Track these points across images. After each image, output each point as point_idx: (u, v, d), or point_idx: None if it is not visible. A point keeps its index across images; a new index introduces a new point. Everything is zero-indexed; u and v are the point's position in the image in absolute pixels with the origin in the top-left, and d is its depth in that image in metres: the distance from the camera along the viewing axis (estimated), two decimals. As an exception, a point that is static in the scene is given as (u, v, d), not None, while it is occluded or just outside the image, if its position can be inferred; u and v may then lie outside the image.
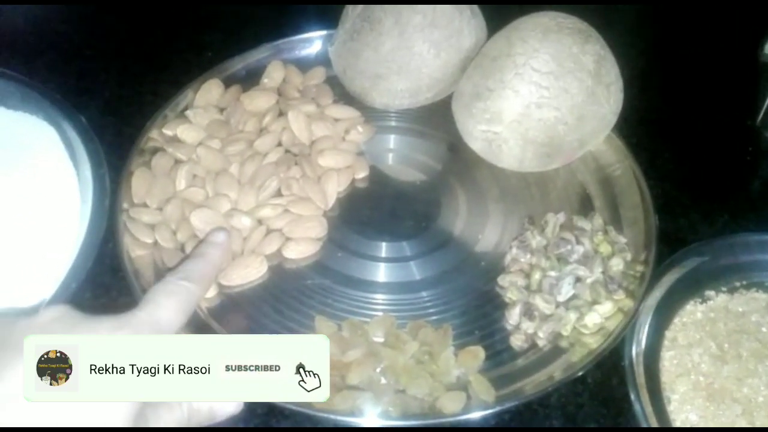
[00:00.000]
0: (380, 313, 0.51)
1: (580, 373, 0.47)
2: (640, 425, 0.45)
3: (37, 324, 0.34)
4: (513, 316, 0.50)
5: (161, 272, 0.52)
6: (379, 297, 0.53)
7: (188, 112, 0.60)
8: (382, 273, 0.54)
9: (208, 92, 0.62)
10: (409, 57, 0.59)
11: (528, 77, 0.53)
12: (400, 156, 0.62)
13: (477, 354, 0.48)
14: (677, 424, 0.46)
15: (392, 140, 0.63)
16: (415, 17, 0.58)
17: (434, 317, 0.51)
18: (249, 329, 0.50)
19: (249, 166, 0.57)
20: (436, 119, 0.63)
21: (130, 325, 0.35)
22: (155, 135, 0.59)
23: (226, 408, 0.38)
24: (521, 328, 0.50)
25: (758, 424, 0.46)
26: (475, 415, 0.45)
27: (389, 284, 0.54)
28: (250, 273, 0.52)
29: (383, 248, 0.56)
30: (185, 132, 0.59)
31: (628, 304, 0.50)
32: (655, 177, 0.58)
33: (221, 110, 0.62)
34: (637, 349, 0.49)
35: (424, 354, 0.48)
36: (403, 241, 0.56)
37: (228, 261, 0.51)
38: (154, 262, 0.52)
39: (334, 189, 0.57)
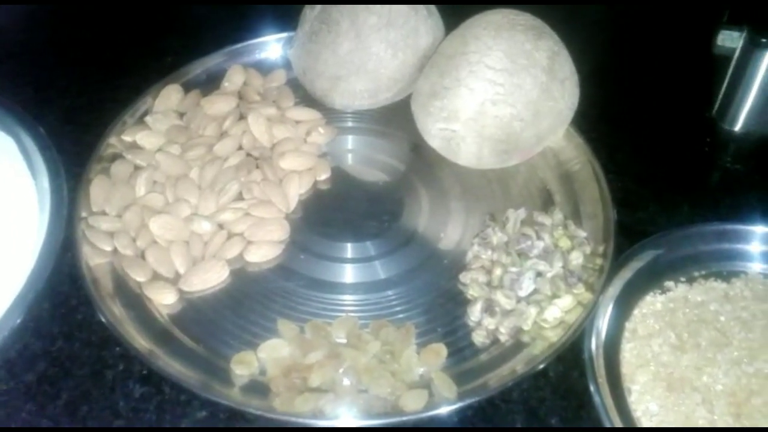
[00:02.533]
0: (345, 314, 0.51)
1: (542, 367, 0.48)
2: (600, 417, 0.45)
3: None
4: (474, 313, 0.51)
5: (121, 280, 0.52)
6: (344, 298, 0.53)
7: (147, 118, 0.60)
8: (346, 274, 0.54)
9: (168, 98, 0.62)
10: (367, 57, 0.59)
11: (482, 75, 0.54)
12: (362, 156, 0.63)
13: (439, 351, 0.48)
14: (638, 414, 0.46)
15: (354, 141, 0.63)
16: (370, 18, 0.58)
17: (399, 316, 0.51)
18: (210, 335, 0.50)
19: (209, 170, 0.56)
20: (398, 119, 0.63)
21: None
22: (114, 142, 0.59)
23: None
24: (483, 324, 0.50)
25: (717, 413, 0.46)
26: (438, 412, 0.45)
27: (354, 285, 0.54)
28: (211, 278, 0.52)
29: (347, 249, 0.56)
30: (144, 138, 0.59)
31: (588, 297, 0.51)
32: (614, 171, 0.59)
33: (181, 115, 0.62)
34: (597, 341, 0.49)
35: (386, 353, 0.48)
36: (366, 241, 0.56)
37: None
38: (114, 270, 0.52)
39: (296, 191, 0.57)
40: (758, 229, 0.55)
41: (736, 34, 0.62)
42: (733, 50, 0.61)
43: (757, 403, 0.47)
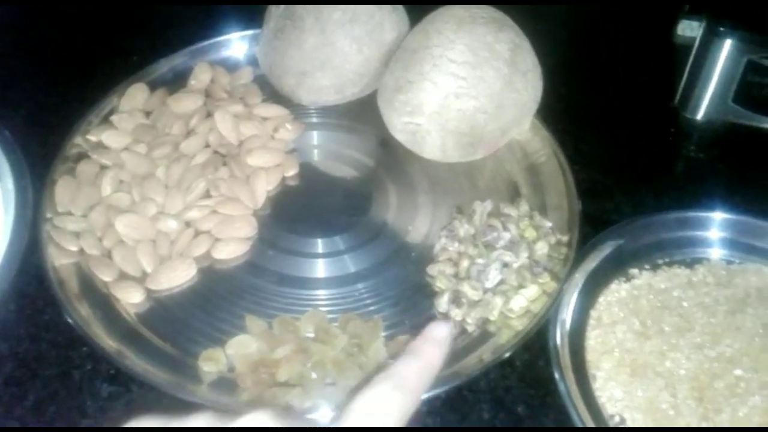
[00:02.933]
0: (314, 309, 0.51)
1: (508, 356, 0.48)
2: (565, 404, 0.46)
3: None
4: (442, 304, 0.51)
5: (87, 280, 0.51)
6: (314, 293, 0.53)
7: (113, 118, 0.60)
8: (315, 269, 0.55)
9: (133, 96, 0.62)
10: (332, 53, 0.59)
11: (445, 68, 0.54)
12: (330, 152, 0.63)
13: (407, 343, 0.49)
14: (602, 400, 0.47)
15: (322, 136, 0.63)
16: (335, 13, 0.59)
17: (368, 309, 0.52)
18: (178, 333, 0.50)
19: (175, 168, 0.56)
20: (365, 114, 0.63)
21: None
22: (80, 142, 0.59)
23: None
24: (450, 316, 0.51)
25: (680, 397, 0.47)
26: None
27: (323, 279, 0.54)
28: (178, 276, 0.52)
29: (316, 244, 0.56)
30: (110, 137, 0.58)
31: (553, 286, 0.51)
32: (580, 162, 0.59)
33: (147, 114, 0.61)
34: (562, 329, 0.50)
35: (354, 346, 0.48)
36: (335, 236, 0.56)
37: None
38: (80, 270, 0.52)
39: (264, 188, 0.57)
40: (719, 215, 0.55)
41: (695, 23, 0.63)
42: (694, 39, 0.61)
43: (719, 386, 0.47)
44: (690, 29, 0.65)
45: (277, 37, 0.61)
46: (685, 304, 0.52)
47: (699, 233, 0.56)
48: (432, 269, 0.53)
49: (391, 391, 0.31)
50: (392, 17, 0.61)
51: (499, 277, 0.52)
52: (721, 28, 0.58)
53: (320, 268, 0.55)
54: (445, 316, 0.51)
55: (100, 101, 0.61)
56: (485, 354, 0.48)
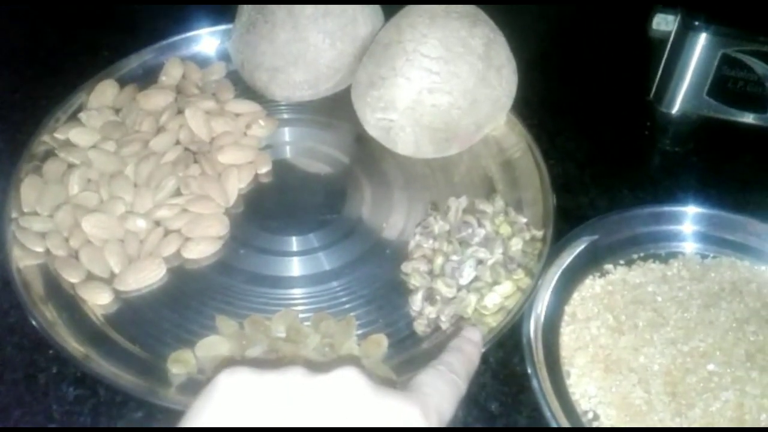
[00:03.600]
0: (285, 309, 0.51)
1: (482, 352, 0.48)
2: (538, 401, 0.46)
3: (333, 388, 0.31)
4: (416, 302, 0.51)
5: (53, 282, 0.50)
6: (287, 292, 0.52)
7: (81, 115, 0.59)
8: (288, 267, 0.54)
9: (102, 93, 0.61)
10: (305, 48, 0.59)
11: (418, 63, 0.54)
12: (304, 148, 0.62)
13: (380, 342, 0.48)
14: (576, 397, 0.47)
15: (295, 133, 0.63)
16: (307, 8, 0.58)
17: (343, 307, 0.51)
18: (147, 334, 0.49)
19: (145, 166, 0.55)
20: (340, 110, 0.62)
21: (420, 405, 0.32)
22: (47, 139, 0.58)
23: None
24: (424, 313, 0.50)
25: (653, 392, 0.47)
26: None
27: (296, 278, 0.53)
28: (147, 276, 0.51)
29: (289, 242, 0.55)
30: (78, 135, 0.57)
31: (527, 282, 0.51)
32: (555, 157, 0.59)
33: (117, 111, 0.60)
34: (536, 325, 0.49)
35: (326, 346, 0.48)
36: (309, 234, 0.56)
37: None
38: (46, 271, 0.51)
39: (235, 185, 0.56)
40: (693, 210, 0.55)
41: (670, 17, 0.63)
42: (668, 33, 0.61)
43: (692, 381, 0.47)
44: (665, 23, 0.65)
45: (249, 31, 0.60)
46: (659, 298, 0.52)
47: (673, 228, 0.55)
48: (406, 267, 0.53)
49: (446, 373, 0.36)
50: (365, 12, 0.60)
51: (474, 273, 0.52)
52: (696, 22, 0.57)
53: (294, 267, 0.54)
54: (420, 314, 0.50)
55: (68, 98, 0.60)
56: (459, 352, 0.48)
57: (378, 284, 0.53)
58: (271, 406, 0.30)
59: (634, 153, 0.62)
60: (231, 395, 0.30)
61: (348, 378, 0.31)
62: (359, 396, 0.31)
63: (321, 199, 0.58)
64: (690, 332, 0.50)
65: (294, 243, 0.55)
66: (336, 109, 0.63)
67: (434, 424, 0.32)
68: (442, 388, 0.35)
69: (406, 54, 0.54)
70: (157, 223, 0.53)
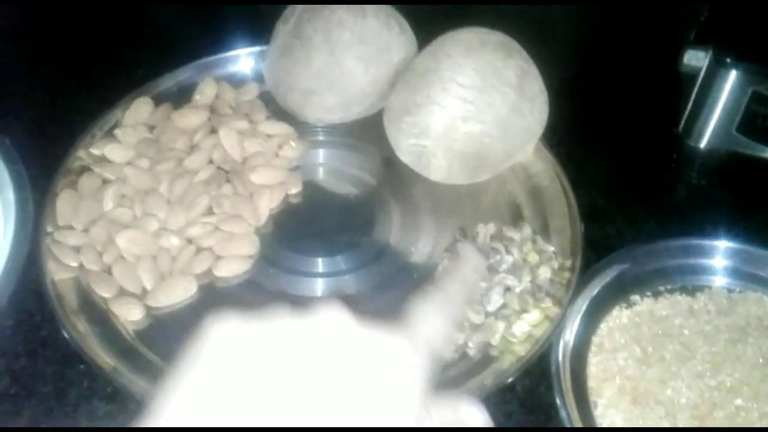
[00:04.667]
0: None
1: (510, 380, 0.48)
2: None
3: (318, 328, 0.30)
4: (444, 328, 0.51)
5: (86, 296, 0.51)
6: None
7: (117, 131, 0.60)
8: (316, 288, 0.54)
9: (138, 110, 0.62)
10: (340, 73, 0.59)
11: (454, 92, 0.54)
12: (334, 170, 0.63)
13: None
14: (602, 426, 0.47)
15: (326, 155, 0.63)
16: (344, 34, 0.59)
17: (368, 332, 0.51)
18: (177, 351, 0.49)
19: (178, 184, 0.56)
20: (370, 133, 0.63)
21: (408, 339, 0.32)
22: (82, 155, 0.58)
23: (473, 418, 0.35)
24: (451, 340, 0.50)
25: (680, 425, 0.47)
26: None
27: (323, 300, 0.53)
28: (178, 293, 0.51)
29: (317, 263, 0.56)
30: (113, 151, 0.58)
31: (555, 311, 0.51)
32: (583, 185, 0.59)
33: (151, 129, 0.61)
34: (563, 355, 0.49)
35: (355, 369, 0.48)
36: (337, 256, 0.56)
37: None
38: (79, 285, 0.52)
39: (267, 205, 0.57)
40: (721, 244, 0.55)
41: (701, 53, 0.63)
42: (699, 69, 0.62)
43: (719, 415, 0.47)
44: (696, 59, 0.65)
45: (284, 54, 0.61)
46: (686, 332, 0.52)
47: (701, 261, 0.56)
48: (434, 292, 0.53)
49: (440, 301, 0.35)
50: (400, 39, 0.61)
51: (501, 301, 0.52)
52: (727, 60, 0.58)
53: (321, 288, 0.54)
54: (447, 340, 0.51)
55: (103, 114, 0.61)
56: (487, 379, 0.48)
57: (405, 309, 0.53)
58: (261, 354, 0.29)
59: (661, 184, 0.63)
60: (221, 346, 0.30)
61: (334, 317, 0.31)
62: (347, 334, 0.30)
63: (349, 221, 0.59)
64: (717, 366, 0.50)
65: (321, 264, 0.56)
66: (366, 132, 0.64)
67: (425, 356, 0.32)
68: (435, 317, 0.34)
69: (442, 82, 0.55)
70: (190, 241, 0.54)
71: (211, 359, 0.29)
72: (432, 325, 0.34)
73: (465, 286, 0.38)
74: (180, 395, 0.28)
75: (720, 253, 0.55)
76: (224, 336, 0.30)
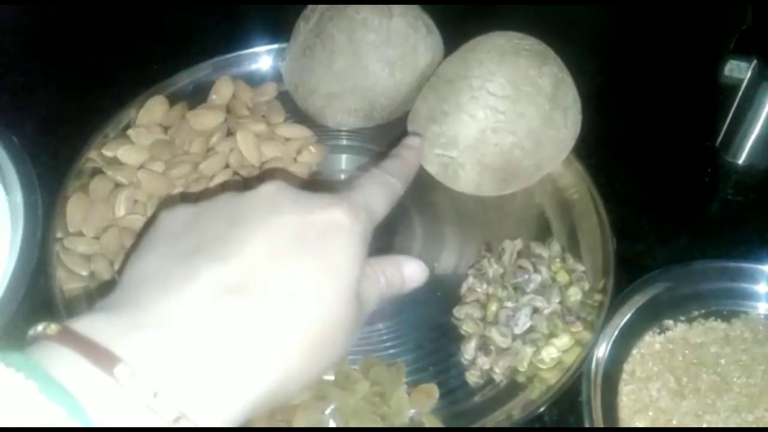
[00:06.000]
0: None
1: (540, 410, 0.46)
2: (597, 467, 0.44)
3: (261, 200, 0.34)
4: (469, 351, 0.49)
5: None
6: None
7: (130, 132, 0.57)
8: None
9: (152, 110, 0.59)
10: (363, 76, 0.57)
11: (484, 101, 0.52)
12: (355, 177, 0.60)
13: (431, 393, 0.46)
14: (635, 462, 0.45)
15: (347, 160, 0.61)
16: (368, 35, 0.56)
17: (389, 351, 0.49)
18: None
19: (194, 190, 0.54)
20: (392, 139, 0.60)
21: (347, 203, 0.34)
22: (94, 156, 0.56)
23: (416, 276, 0.39)
24: (477, 364, 0.48)
25: (717, 462, 0.45)
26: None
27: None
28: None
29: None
30: (126, 153, 0.56)
31: (586, 336, 0.49)
32: (613, 200, 0.57)
33: (165, 129, 0.59)
34: (594, 384, 0.47)
35: (376, 395, 0.46)
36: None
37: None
38: (90, 295, 0.49)
39: (284, 214, 0.55)
40: (763, 267, 0.53)
41: (744, 64, 0.61)
42: (741, 81, 0.59)
43: (758, 453, 0.45)
44: (738, 70, 0.62)
45: (305, 54, 0.58)
46: (722, 361, 0.50)
47: (738, 285, 0.53)
48: (459, 312, 0.51)
49: (383, 174, 0.40)
50: (426, 41, 0.58)
51: (529, 323, 0.50)
52: (772, 72, 0.55)
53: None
54: (472, 363, 0.48)
55: (116, 112, 0.59)
56: (515, 409, 0.46)
57: (427, 328, 0.51)
58: (207, 222, 0.33)
59: (695, 201, 0.60)
60: (172, 223, 0.34)
61: (274, 186, 0.34)
62: (285, 200, 0.33)
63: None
64: (755, 400, 0.47)
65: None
66: (386, 138, 0.61)
67: (363, 220, 0.34)
68: (373, 186, 0.38)
69: (472, 90, 0.52)
70: (204, 251, 0.52)
71: (164, 235, 0.33)
72: (371, 192, 0.37)
73: (405, 165, 0.43)
74: (134, 265, 0.32)
75: (760, 277, 0.53)
76: (174, 216, 0.34)
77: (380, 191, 0.38)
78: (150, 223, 0.34)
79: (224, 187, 0.54)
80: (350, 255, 0.32)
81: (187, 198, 0.53)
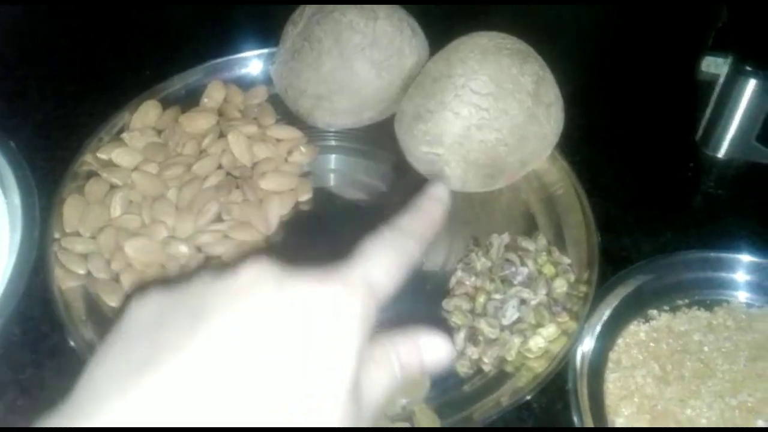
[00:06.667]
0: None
1: (528, 398, 0.47)
2: (584, 451, 0.45)
3: (237, 288, 0.27)
4: (458, 342, 0.50)
5: (94, 305, 0.50)
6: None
7: (124, 135, 0.59)
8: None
9: (146, 114, 0.60)
10: (351, 77, 0.58)
11: (468, 99, 0.53)
12: (345, 177, 0.62)
13: (421, 383, 0.48)
14: (621, 447, 0.46)
15: (337, 160, 0.62)
16: (355, 37, 0.57)
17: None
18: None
19: (187, 190, 0.55)
20: (382, 138, 0.62)
21: (340, 281, 0.29)
22: (89, 159, 0.57)
23: (438, 354, 0.32)
24: (466, 354, 0.49)
25: (700, 445, 0.46)
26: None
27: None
28: (187, 303, 0.50)
29: (328, 272, 0.55)
30: (121, 156, 0.57)
31: (572, 326, 0.50)
32: (598, 195, 0.58)
33: (159, 132, 0.60)
34: (580, 372, 0.48)
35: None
36: (347, 265, 0.55)
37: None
38: (87, 293, 0.50)
39: (277, 213, 0.56)
40: (743, 257, 0.54)
41: (720, 60, 0.62)
42: (718, 76, 0.61)
43: (740, 436, 0.46)
44: (715, 66, 0.64)
45: (294, 58, 0.60)
46: (705, 348, 0.51)
47: (720, 274, 0.54)
48: (448, 304, 0.52)
49: (394, 234, 0.32)
50: (412, 42, 0.60)
51: (517, 314, 0.51)
52: (747, 68, 0.57)
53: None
54: (462, 354, 0.49)
55: (111, 117, 0.60)
56: (503, 397, 0.47)
57: (417, 321, 0.52)
58: (173, 318, 0.27)
59: (678, 195, 0.61)
60: (138, 316, 0.28)
61: (256, 270, 0.28)
62: (270, 287, 0.28)
63: (361, 228, 0.57)
64: (738, 385, 0.49)
65: (332, 273, 0.55)
66: (376, 138, 0.62)
67: (362, 300, 0.29)
68: (380, 253, 0.31)
69: (455, 89, 0.53)
70: (198, 249, 0.53)
71: (131, 334, 0.28)
72: (378, 263, 0.30)
73: (428, 222, 0.34)
74: (102, 367, 0.27)
75: (740, 267, 0.54)
76: (144, 309, 0.28)
77: (389, 258, 0.31)
78: (123, 309, 0.30)
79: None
80: (345, 347, 0.27)
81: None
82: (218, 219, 0.55)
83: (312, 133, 0.62)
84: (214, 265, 0.29)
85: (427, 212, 0.35)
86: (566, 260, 0.54)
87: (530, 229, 0.57)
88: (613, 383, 0.49)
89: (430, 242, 0.34)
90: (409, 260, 0.32)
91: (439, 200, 0.35)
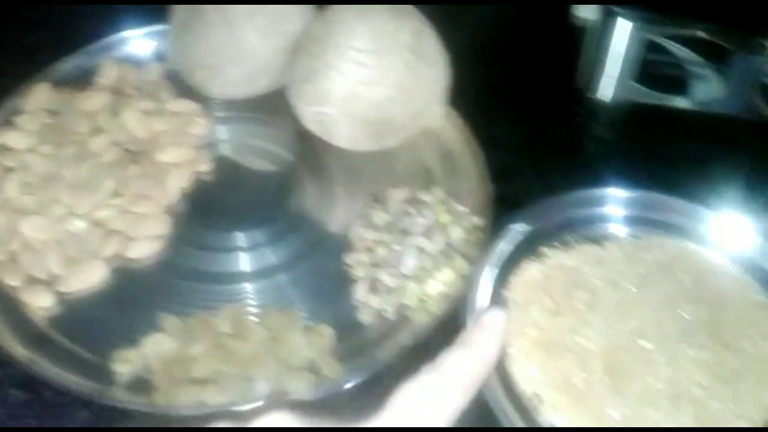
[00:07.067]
0: (232, 304, 0.51)
1: (425, 340, 0.49)
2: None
3: None
4: (360, 292, 0.51)
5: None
6: (233, 287, 0.53)
7: (17, 119, 0.58)
8: (232, 264, 0.54)
9: (38, 96, 0.60)
10: (239, 45, 0.59)
11: (350, 56, 0.54)
12: (246, 145, 0.62)
13: (324, 333, 0.49)
14: (518, 379, 0.48)
15: (236, 130, 0.63)
16: (238, 7, 0.58)
17: (290, 300, 0.52)
18: (92, 336, 0.49)
19: (83, 168, 0.55)
20: (280, 105, 0.63)
21: None
22: (-19, 145, 0.57)
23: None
24: (368, 303, 0.51)
25: (592, 372, 0.48)
26: (326, 393, 0.46)
27: (240, 274, 0.54)
28: (89, 277, 0.50)
29: (233, 238, 0.56)
30: (14, 139, 0.57)
31: (468, 269, 0.52)
32: (492, 146, 0.60)
33: (54, 114, 0.59)
34: (476, 311, 0.50)
35: (271, 340, 0.48)
36: (253, 230, 0.56)
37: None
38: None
39: (176, 184, 0.56)
40: (627, 193, 0.57)
41: (593, 6, 0.64)
42: (589, 21, 0.62)
43: (628, 360, 0.49)
44: (587, 10, 0.66)
45: (184, 32, 0.60)
46: (594, 280, 0.54)
47: (605, 210, 0.57)
48: (349, 258, 0.53)
49: (437, 384, 0.28)
50: (297, 8, 0.60)
51: (416, 262, 0.53)
52: (617, 9, 0.59)
53: (237, 263, 0.54)
54: (364, 304, 0.51)
55: (2, 102, 0.59)
56: (403, 339, 0.49)
57: (323, 276, 0.53)
58: None
59: (567, 139, 0.64)
60: None
61: (278, 422, 0.27)
62: None
63: (263, 195, 0.59)
64: (626, 312, 0.51)
65: (238, 239, 0.56)
66: (274, 105, 0.63)
67: None
68: (420, 401, 0.28)
69: (337, 48, 0.55)
70: (98, 224, 0.53)
71: None
72: (412, 409, 0.27)
73: (479, 360, 0.29)
74: None
75: (625, 202, 0.57)
76: None
77: (430, 407, 0.28)
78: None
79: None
80: None
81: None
82: (118, 194, 0.55)
83: (211, 104, 0.63)
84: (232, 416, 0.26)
85: (479, 347, 0.31)
86: (462, 208, 0.56)
87: (429, 183, 0.59)
88: (508, 320, 0.51)
89: (475, 387, 0.29)
90: (455, 407, 0.28)
91: (494, 330, 0.31)
